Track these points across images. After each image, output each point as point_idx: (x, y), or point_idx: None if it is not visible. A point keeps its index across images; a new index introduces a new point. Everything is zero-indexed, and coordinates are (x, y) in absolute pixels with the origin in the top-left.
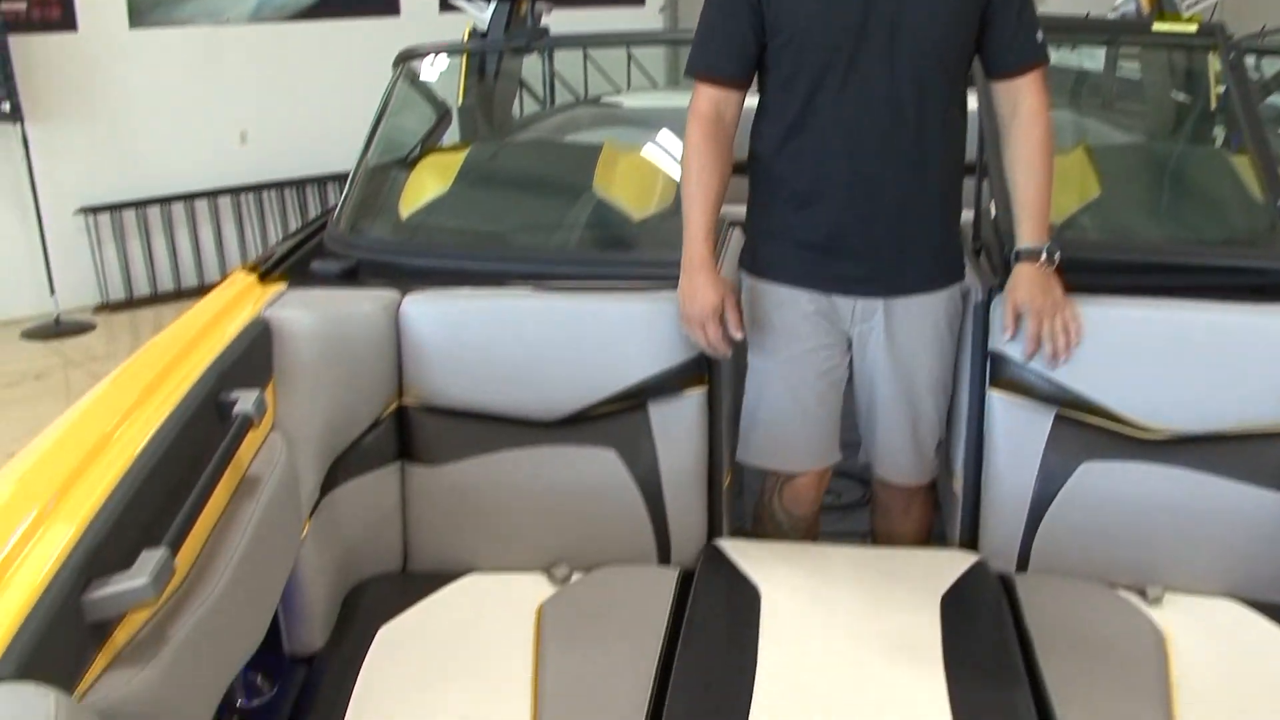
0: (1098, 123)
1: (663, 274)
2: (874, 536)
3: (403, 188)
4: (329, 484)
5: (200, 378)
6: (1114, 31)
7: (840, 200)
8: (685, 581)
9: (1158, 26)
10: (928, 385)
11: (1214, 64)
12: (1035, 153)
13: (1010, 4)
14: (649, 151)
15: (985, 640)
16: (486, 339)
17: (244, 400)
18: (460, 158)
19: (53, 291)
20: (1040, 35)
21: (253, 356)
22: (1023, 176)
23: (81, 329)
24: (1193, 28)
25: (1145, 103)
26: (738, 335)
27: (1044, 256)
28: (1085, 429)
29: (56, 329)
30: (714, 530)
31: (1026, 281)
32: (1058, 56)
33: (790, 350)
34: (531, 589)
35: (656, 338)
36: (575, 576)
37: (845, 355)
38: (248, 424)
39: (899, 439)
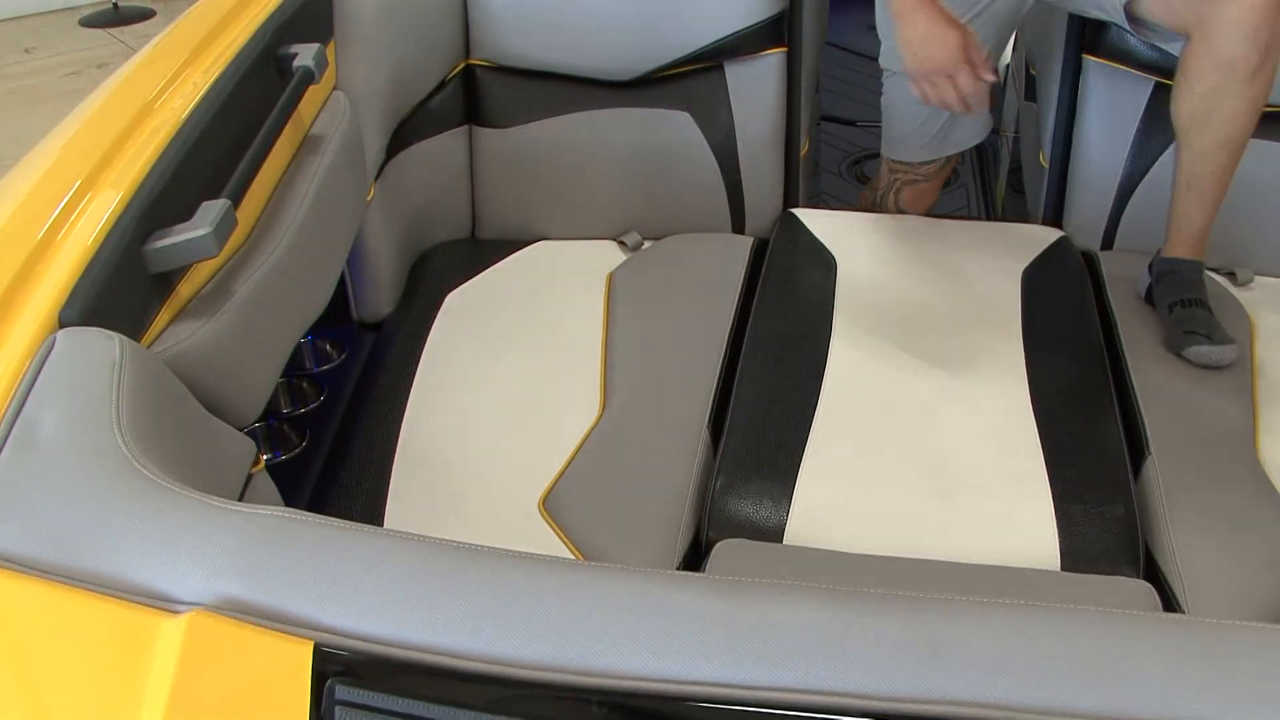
0: None
1: None
2: None
3: None
4: (395, 147)
5: (255, 32)
6: None
7: None
8: (760, 249)
9: None
10: None
11: None
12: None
13: None
14: None
15: (1066, 313)
16: None
17: (303, 55)
18: None
19: None
20: None
21: (311, 11)
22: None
23: (141, 15)
24: None
25: None
26: (990, 77)
27: None
28: None
29: (115, 15)
30: (790, 200)
31: None
32: None
33: None
34: (602, 256)
35: None
36: (647, 245)
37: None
38: (309, 78)
39: None
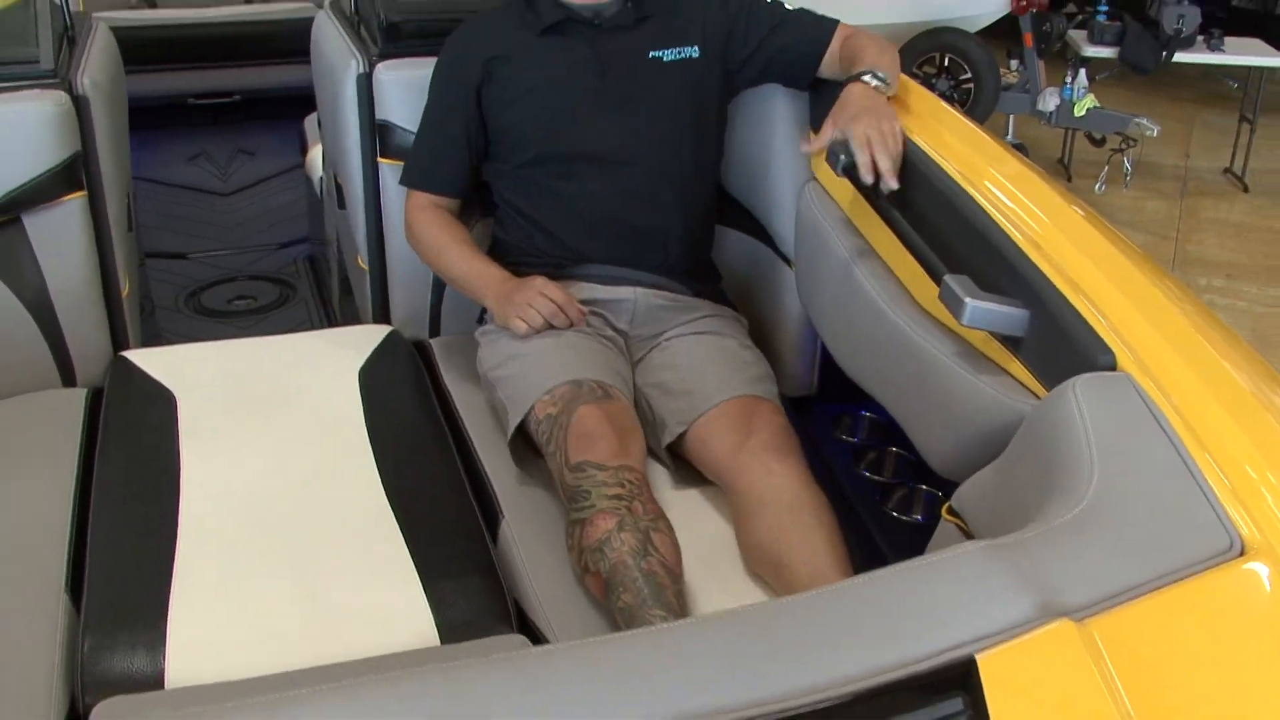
0: None
1: (12, 74)
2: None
3: None
4: None
5: None
6: None
7: None
8: (95, 400)
9: None
10: None
11: None
12: (871, 38)
13: (769, 16)
14: None
15: (403, 403)
16: None
17: None
18: None
19: None
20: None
21: None
22: (864, 47)
23: None
24: None
25: None
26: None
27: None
28: None
29: None
30: (120, 343)
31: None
32: None
33: None
34: None
35: (15, 143)
36: None
37: None
38: None
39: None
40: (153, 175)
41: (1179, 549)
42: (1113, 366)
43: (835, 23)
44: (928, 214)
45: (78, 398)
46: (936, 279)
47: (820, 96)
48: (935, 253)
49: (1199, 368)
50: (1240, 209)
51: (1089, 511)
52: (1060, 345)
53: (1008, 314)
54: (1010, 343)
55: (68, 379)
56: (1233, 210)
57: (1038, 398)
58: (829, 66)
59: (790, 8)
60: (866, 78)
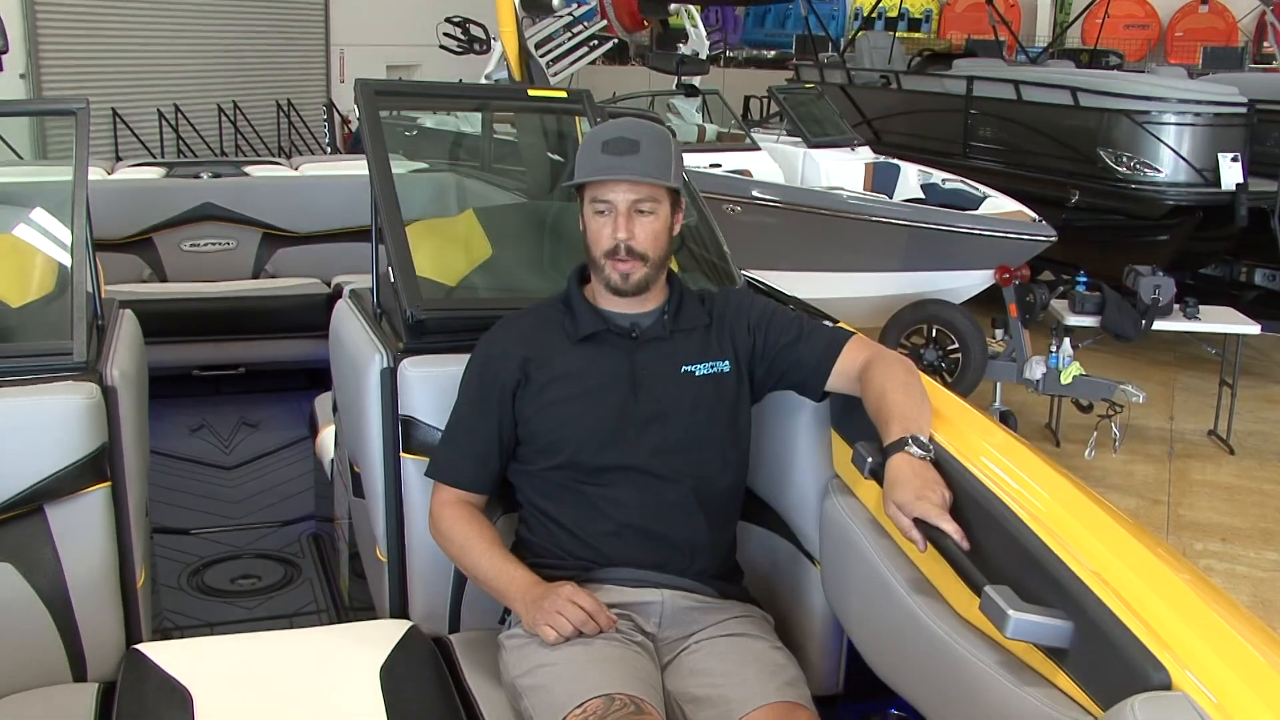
0: (480, 184)
1: (47, 365)
2: None
3: None
4: None
5: None
6: (491, 97)
7: None
8: (107, 696)
9: (533, 92)
10: None
11: (582, 125)
12: (893, 373)
13: (785, 330)
14: (22, 232)
15: (427, 707)
16: None
17: None
18: None
19: None
20: (829, 321)
21: None
22: (889, 391)
23: None
24: (563, 93)
25: (522, 163)
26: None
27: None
28: None
29: None
30: (133, 634)
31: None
32: (435, 120)
33: None
34: None
35: (45, 436)
36: None
37: None
38: None
39: None
40: (156, 446)
41: None
42: (1167, 685)
43: (847, 336)
44: (960, 519)
45: (88, 693)
46: (975, 589)
47: (842, 398)
48: (970, 558)
49: (1251, 679)
50: (1228, 471)
51: None
52: (1109, 660)
53: (1052, 626)
54: (1054, 653)
55: (78, 672)
56: (1220, 473)
57: (1088, 713)
58: (841, 381)
59: (806, 318)
60: (911, 448)
